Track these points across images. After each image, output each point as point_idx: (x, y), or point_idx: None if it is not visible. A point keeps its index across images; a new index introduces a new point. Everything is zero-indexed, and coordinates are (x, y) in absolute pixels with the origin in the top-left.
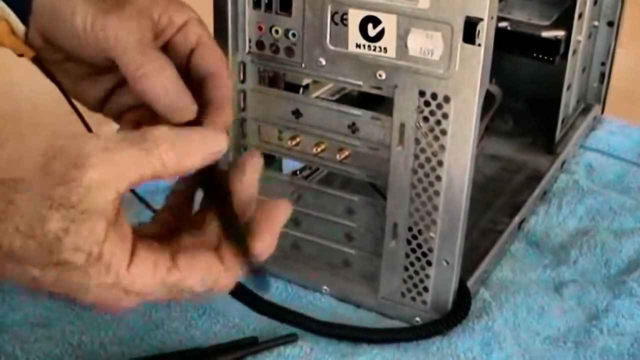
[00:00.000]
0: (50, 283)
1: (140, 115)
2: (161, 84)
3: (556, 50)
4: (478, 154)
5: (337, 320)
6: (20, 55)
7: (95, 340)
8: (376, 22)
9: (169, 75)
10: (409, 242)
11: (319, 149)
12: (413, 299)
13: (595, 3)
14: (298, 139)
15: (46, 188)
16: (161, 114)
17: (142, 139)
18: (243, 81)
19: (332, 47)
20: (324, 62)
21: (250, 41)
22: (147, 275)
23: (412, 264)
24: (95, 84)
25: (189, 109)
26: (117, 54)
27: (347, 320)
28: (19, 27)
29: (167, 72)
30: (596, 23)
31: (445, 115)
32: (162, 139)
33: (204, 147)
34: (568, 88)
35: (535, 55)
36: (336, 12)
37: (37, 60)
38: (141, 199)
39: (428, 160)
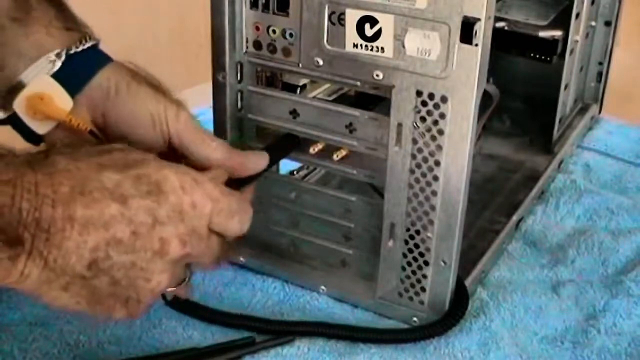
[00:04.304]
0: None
1: None
2: (222, 154)
3: (553, 50)
4: (475, 153)
5: (334, 321)
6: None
7: (93, 340)
8: (373, 22)
9: (225, 147)
10: (406, 242)
11: (316, 149)
12: (410, 298)
13: (592, 3)
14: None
15: None
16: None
17: None
18: (240, 81)
19: (329, 47)
20: (321, 62)
21: (247, 41)
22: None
23: (409, 264)
24: None
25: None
26: (188, 138)
27: (345, 320)
28: (68, 103)
29: (224, 145)
30: (593, 23)
31: (442, 115)
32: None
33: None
34: (565, 88)
35: (532, 55)
36: (333, 12)
37: (94, 133)
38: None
39: (425, 160)
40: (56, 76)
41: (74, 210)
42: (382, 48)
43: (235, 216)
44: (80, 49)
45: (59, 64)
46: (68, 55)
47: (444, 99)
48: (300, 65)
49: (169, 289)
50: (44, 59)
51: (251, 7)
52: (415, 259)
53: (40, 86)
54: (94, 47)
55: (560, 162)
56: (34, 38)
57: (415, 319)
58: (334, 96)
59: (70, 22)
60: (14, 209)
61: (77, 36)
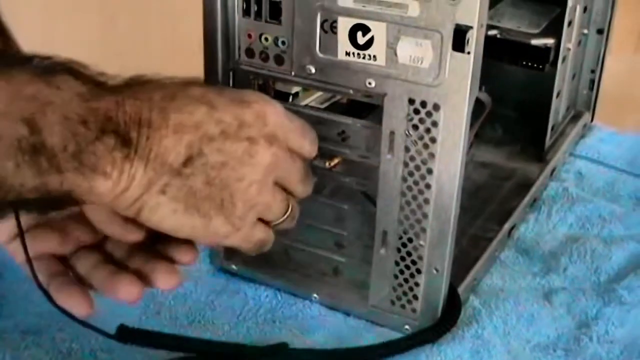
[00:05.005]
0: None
1: None
2: None
3: (546, 58)
4: (468, 161)
5: (327, 329)
6: None
7: (85, 348)
8: (365, 30)
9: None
10: (398, 250)
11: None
12: (403, 306)
13: (584, 11)
14: None
15: None
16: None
17: None
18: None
19: (321, 55)
20: (313, 70)
21: (239, 49)
22: None
23: (401, 272)
24: None
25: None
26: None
27: (337, 327)
28: None
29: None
30: (586, 31)
31: (434, 123)
32: None
33: None
34: (558, 95)
35: (524, 63)
36: (326, 20)
37: None
38: None
39: (418, 168)
40: None
41: (168, 114)
42: (374, 56)
43: (306, 137)
44: None
45: None
46: None
47: (436, 107)
48: (293, 73)
49: (275, 222)
50: None
51: (244, 15)
52: (407, 267)
53: None
54: None
55: (553, 170)
56: None
57: (407, 327)
58: (326, 104)
59: None
60: (120, 112)
61: None
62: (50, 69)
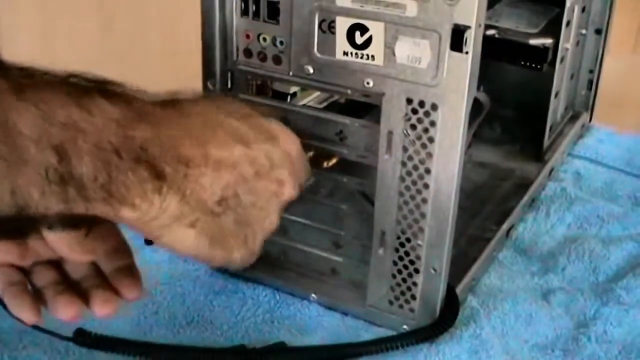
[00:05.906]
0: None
1: None
2: None
3: (544, 58)
4: (466, 161)
5: (325, 329)
6: None
7: (82, 347)
8: (363, 29)
9: None
10: (396, 250)
11: (306, 157)
12: (401, 306)
13: (583, 11)
14: None
15: None
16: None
17: None
18: (231, 89)
19: (319, 55)
20: (311, 70)
21: (237, 49)
22: None
23: (399, 272)
24: None
25: None
26: None
27: (335, 327)
28: None
29: None
30: (584, 31)
31: (432, 123)
32: None
33: None
34: (556, 95)
35: (523, 62)
36: (324, 20)
37: None
38: None
39: (416, 167)
40: None
41: (209, 150)
42: (372, 56)
43: (306, 172)
44: None
45: None
46: None
47: (434, 107)
48: (291, 73)
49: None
50: None
51: (242, 15)
52: (405, 267)
53: None
54: None
55: (551, 170)
56: None
57: (405, 327)
58: (324, 104)
59: None
60: (156, 143)
61: None
62: (85, 90)
